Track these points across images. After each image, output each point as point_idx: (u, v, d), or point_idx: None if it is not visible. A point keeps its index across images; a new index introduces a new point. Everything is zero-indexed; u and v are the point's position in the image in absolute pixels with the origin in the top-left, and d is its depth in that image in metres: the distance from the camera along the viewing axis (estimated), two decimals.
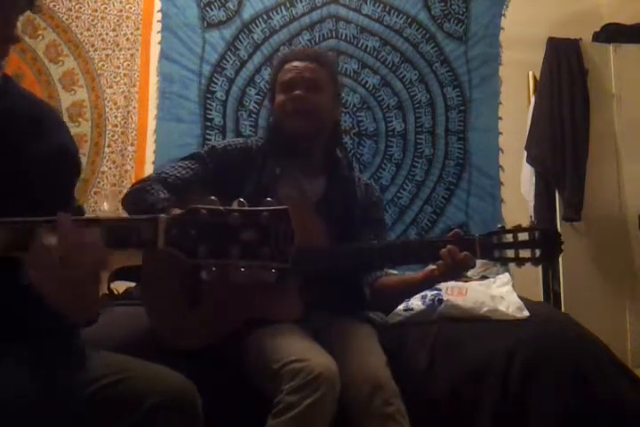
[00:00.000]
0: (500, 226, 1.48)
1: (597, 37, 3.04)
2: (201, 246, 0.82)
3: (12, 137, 1.03)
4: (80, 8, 3.01)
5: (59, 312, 0.88)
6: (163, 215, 0.84)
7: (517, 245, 1.44)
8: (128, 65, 3.02)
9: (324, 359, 1.29)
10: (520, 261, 1.44)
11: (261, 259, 0.82)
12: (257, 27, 3.10)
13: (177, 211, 0.89)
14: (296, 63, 1.66)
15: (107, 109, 2.98)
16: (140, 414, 0.91)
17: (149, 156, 2.98)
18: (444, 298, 1.72)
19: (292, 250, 0.82)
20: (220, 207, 0.83)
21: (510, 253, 1.45)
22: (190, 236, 0.82)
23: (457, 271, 1.47)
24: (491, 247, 1.45)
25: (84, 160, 2.92)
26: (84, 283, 0.84)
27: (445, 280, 1.56)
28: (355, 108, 3.06)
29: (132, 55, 3.02)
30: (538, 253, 1.43)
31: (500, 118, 3.11)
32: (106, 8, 3.02)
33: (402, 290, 1.63)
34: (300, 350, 1.31)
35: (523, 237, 1.44)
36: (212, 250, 0.82)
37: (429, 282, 1.57)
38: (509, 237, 1.45)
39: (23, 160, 1.01)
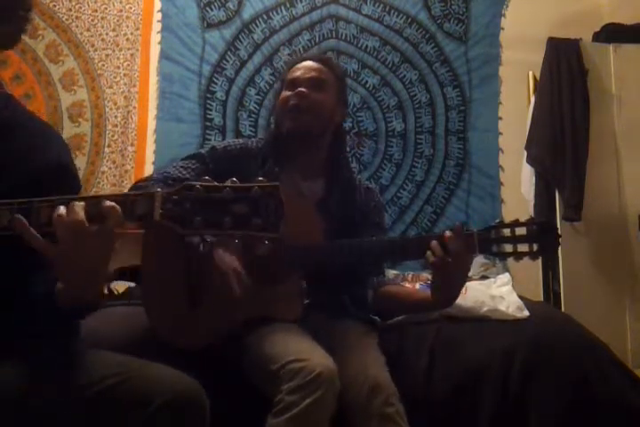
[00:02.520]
0: (497, 221, 1.48)
1: (597, 37, 3.04)
2: (195, 219, 0.86)
3: (9, 150, 1.04)
4: (80, 8, 3.01)
5: (71, 289, 0.92)
6: (158, 190, 0.88)
7: (515, 239, 1.44)
8: (128, 65, 3.02)
9: (324, 359, 1.29)
10: (518, 256, 1.44)
11: (252, 229, 0.86)
12: (257, 27, 3.10)
13: None
14: (305, 63, 1.70)
15: (107, 109, 2.98)
16: (147, 414, 0.92)
17: (149, 156, 2.98)
18: None
19: (281, 222, 0.87)
20: (214, 183, 0.88)
21: (508, 247, 1.45)
22: (185, 209, 0.87)
23: (456, 265, 1.41)
24: (489, 242, 1.44)
25: (83, 160, 2.92)
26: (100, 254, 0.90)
27: (452, 290, 1.50)
28: (355, 108, 3.06)
29: (132, 55, 3.02)
30: (535, 247, 1.43)
31: (500, 118, 3.11)
32: (106, 8, 3.02)
33: (408, 306, 1.62)
34: (299, 350, 1.31)
35: (520, 231, 1.44)
36: (206, 222, 0.86)
37: (439, 303, 1.51)
38: (507, 232, 1.45)
39: (20, 173, 1.02)
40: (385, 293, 1.63)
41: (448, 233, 1.39)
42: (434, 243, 1.39)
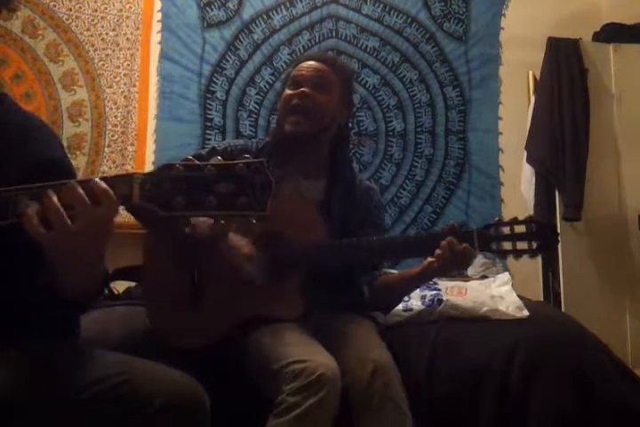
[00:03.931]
0: (497, 218, 1.48)
1: (597, 37, 3.03)
2: (176, 199, 0.83)
3: (1, 149, 1.04)
4: (80, 8, 3.01)
5: (67, 283, 0.91)
6: (137, 172, 0.86)
7: (514, 237, 1.45)
8: (128, 65, 3.02)
9: (326, 360, 1.29)
10: (517, 254, 1.45)
11: (239, 209, 0.83)
12: (257, 27, 3.10)
13: None
14: (311, 62, 1.70)
15: (107, 109, 2.98)
16: (148, 415, 0.91)
17: (149, 156, 2.98)
18: (444, 298, 1.73)
19: (269, 199, 0.83)
20: (196, 162, 0.85)
21: (507, 245, 1.45)
22: (165, 190, 0.83)
23: (456, 264, 1.47)
24: (488, 240, 1.45)
25: (83, 160, 2.92)
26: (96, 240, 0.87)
27: (444, 273, 1.56)
28: (355, 108, 3.06)
29: (131, 55, 3.02)
30: (535, 244, 1.43)
31: (500, 118, 3.11)
32: (106, 8, 3.02)
33: (401, 286, 1.63)
34: (301, 351, 1.31)
35: (519, 229, 1.45)
36: (188, 202, 0.83)
37: (428, 275, 1.56)
38: (506, 230, 1.46)
39: (11, 172, 1.02)
40: (379, 285, 1.65)
41: (466, 246, 1.42)
42: (449, 246, 1.42)
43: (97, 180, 0.85)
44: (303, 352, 1.30)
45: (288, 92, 1.67)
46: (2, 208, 0.86)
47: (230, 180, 0.83)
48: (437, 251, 1.44)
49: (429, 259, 1.49)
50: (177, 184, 0.83)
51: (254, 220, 0.85)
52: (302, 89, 1.64)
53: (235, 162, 0.84)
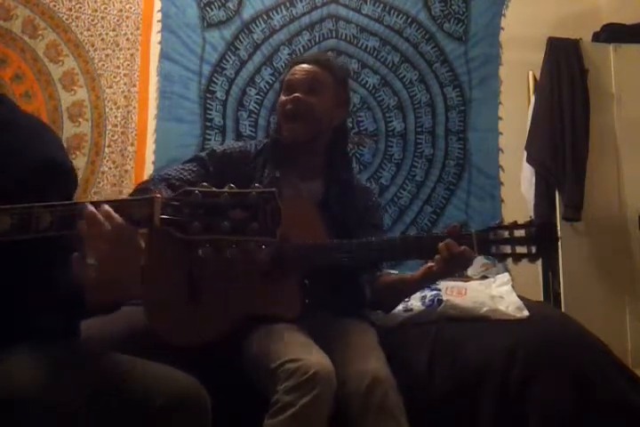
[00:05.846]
0: (496, 222, 1.48)
1: (597, 37, 3.03)
2: (194, 224, 0.89)
3: (2, 148, 1.04)
4: (80, 8, 3.01)
5: (105, 292, 0.95)
6: (158, 196, 0.91)
7: (514, 241, 1.44)
8: (128, 65, 3.02)
9: (320, 359, 1.29)
10: (517, 257, 1.45)
11: (250, 234, 0.89)
12: (257, 27, 3.10)
13: None
14: (303, 66, 1.71)
15: (107, 109, 2.99)
16: (149, 414, 0.91)
17: (149, 156, 2.98)
18: (444, 298, 1.73)
19: (279, 226, 0.90)
20: (213, 189, 0.91)
21: (507, 249, 1.45)
22: (184, 214, 0.90)
23: (456, 266, 1.47)
24: (488, 243, 1.45)
25: (83, 160, 2.92)
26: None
27: (445, 276, 1.56)
28: (355, 108, 3.06)
29: (131, 55, 3.02)
30: (534, 249, 1.43)
31: (500, 118, 3.11)
32: (106, 8, 3.03)
33: (401, 288, 1.64)
34: (296, 350, 1.31)
35: (519, 233, 1.45)
36: (205, 227, 0.89)
37: (429, 279, 1.57)
38: (506, 234, 1.45)
39: (14, 172, 1.02)
40: (380, 286, 1.65)
41: (465, 248, 1.42)
42: (447, 248, 1.42)
43: (105, 206, 0.91)
44: (298, 351, 1.30)
45: (282, 97, 1.69)
46: (25, 223, 0.91)
47: (243, 207, 0.89)
48: (437, 256, 1.45)
49: (429, 263, 1.50)
50: (195, 210, 0.89)
51: (263, 246, 0.90)
52: (295, 95, 1.65)
53: (248, 191, 0.91)
